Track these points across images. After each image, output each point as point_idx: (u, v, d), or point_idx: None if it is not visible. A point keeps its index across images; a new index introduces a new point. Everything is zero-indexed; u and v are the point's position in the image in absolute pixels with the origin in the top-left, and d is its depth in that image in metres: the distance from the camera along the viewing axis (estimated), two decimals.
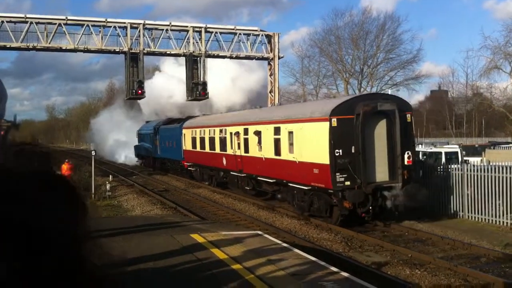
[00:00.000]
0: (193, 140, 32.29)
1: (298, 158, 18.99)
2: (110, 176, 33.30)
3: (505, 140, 50.76)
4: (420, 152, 28.42)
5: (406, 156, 17.59)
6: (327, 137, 16.97)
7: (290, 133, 19.67)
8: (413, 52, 66.98)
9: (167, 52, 37.10)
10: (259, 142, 22.43)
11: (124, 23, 34.90)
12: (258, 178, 23.11)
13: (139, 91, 34.43)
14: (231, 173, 26.23)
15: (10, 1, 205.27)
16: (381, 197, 17.20)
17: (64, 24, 33.64)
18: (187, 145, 33.77)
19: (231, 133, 25.83)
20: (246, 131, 24.01)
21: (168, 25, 36.16)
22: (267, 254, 10.53)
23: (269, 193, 23.42)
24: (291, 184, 19.77)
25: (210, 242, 11.55)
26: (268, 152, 21.67)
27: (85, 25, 33.96)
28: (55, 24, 33.43)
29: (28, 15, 33.37)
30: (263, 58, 39.09)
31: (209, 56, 37.61)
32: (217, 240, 11.80)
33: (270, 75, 39.27)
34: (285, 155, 20.12)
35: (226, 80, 52.57)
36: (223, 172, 27.98)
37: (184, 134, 34.32)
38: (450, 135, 73.08)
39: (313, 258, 10.41)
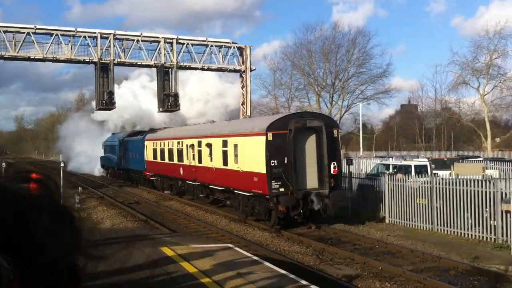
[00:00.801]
0: (154, 151, 34.45)
1: (242, 168, 21.26)
2: (79, 188, 32.76)
3: (473, 154, 51.59)
4: (390, 165, 28.67)
5: (332, 166, 20.11)
6: (264, 149, 19.35)
7: (235, 145, 21.94)
8: (383, 67, 68.24)
9: (138, 63, 36.79)
10: (210, 153, 24.72)
11: (94, 33, 34.50)
12: (210, 186, 25.30)
13: (110, 102, 34.02)
14: (187, 182, 28.41)
15: None
16: (310, 202, 19.34)
17: (33, 33, 33.12)
18: (149, 156, 35.86)
19: (187, 145, 27.98)
20: (199, 144, 26.29)
21: (139, 36, 35.91)
22: (237, 267, 10.40)
23: (222, 200, 25.01)
24: (236, 191, 22.03)
25: (180, 255, 11.37)
26: (218, 162, 23.83)
27: (55, 34, 33.47)
28: (24, 33, 32.88)
29: None
30: (235, 70, 39.09)
31: (181, 67, 37.44)
32: (187, 253, 11.63)
33: (242, 87, 39.28)
34: (231, 165, 22.33)
35: (201, 92, 52.74)
36: (181, 181, 29.85)
37: (146, 146, 36.39)
38: (420, 149, 74.12)
39: (283, 271, 10.32)
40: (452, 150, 67.71)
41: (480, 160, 36.90)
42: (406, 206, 20.96)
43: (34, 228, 1.01)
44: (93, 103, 64.63)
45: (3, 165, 32.44)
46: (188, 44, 36.98)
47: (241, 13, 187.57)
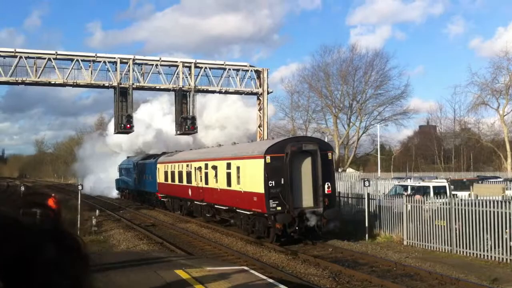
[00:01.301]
0: (166, 174, 36.03)
1: (243, 188, 22.86)
2: (97, 210, 32.97)
3: (493, 175, 50.95)
4: (409, 187, 28.43)
5: (326, 186, 21.53)
6: (262, 171, 20.91)
7: (238, 167, 23.53)
8: (401, 88, 68.08)
9: (157, 87, 37.24)
10: (216, 175, 26.25)
11: (114, 58, 35.09)
12: (215, 206, 26.77)
13: (128, 126, 34.41)
14: (195, 202, 29.90)
15: (3, 35, 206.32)
16: (306, 220, 20.73)
17: (54, 58, 33.79)
18: (160, 178, 37.45)
19: (195, 168, 29.49)
20: (206, 166, 27.78)
21: (158, 60, 36.41)
22: None
23: (228, 219, 26.22)
24: (238, 210, 23.60)
25: (194, 278, 11.35)
26: (222, 183, 25.41)
27: (75, 59, 34.11)
28: (45, 58, 33.57)
29: (17, 50, 33.51)
30: (252, 93, 39.33)
31: (199, 91, 37.82)
32: (202, 276, 11.61)
33: (259, 109, 39.47)
34: (234, 186, 23.96)
35: (220, 117, 53.74)
36: (190, 201, 31.29)
37: (158, 169, 38.04)
38: (439, 170, 73.37)
39: None
40: (471, 170, 66.83)
41: (500, 181, 36.42)
42: (425, 227, 20.73)
43: (38, 259, 0.93)
44: (109, 127, 66.36)
45: (22, 188, 32.84)
46: (206, 67, 37.38)
47: (259, 37, 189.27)
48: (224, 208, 25.59)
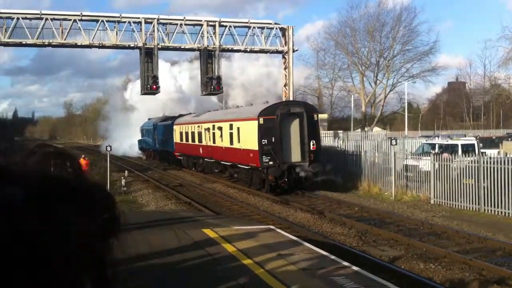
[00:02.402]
0: (181, 134, 39.21)
1: (243, 146, 26.15)
2: (126, 171, 33.50)
3: None
4: (436, 145, 28.14)
5: (311, 143, 24.56)
6: (256, 131, 24.25)
7: (238, 128, 26.91)
8: (430, 44, 66.24)
9: (182, 47, 37.17)
10: (221, 135, 29.43)
11: (139, 18, 35.00)
12: (221, 162, 30.22)
13: (154, 86, 34.55)
14: (205, 159, 33.57)
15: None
16: (294, 172, 24.17)
17: (79, 20, 33.88)
18: (177, 138, 40.62)
19: (204, 129, 32.76)
20: (213, 127, 30.94)
21: (182, 20, 36.18)
22: (278, 248, 10.49)
23: (233, 174, 29.48)
24: (239, 165, 27.15)
25: (222, 237, 11.53)
26: (226, 142, 28.63)
27: (100, 21, 34.14)
28: (70, 20, 33.67)
29: (43, 12, 33.64)
30: (277, 52, 38.97)
31: (224, 50, 37.66)
32: (229, 235, 11.78)
33: (285, 68, 39.14)
34: (235, 144, 27.23)
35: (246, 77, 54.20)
36: (201, 159, 34.75)
37: (175, 130, 41.09)
38: (468, 127, 72.21)
39: (324, 252, 10.35)
40: (501, 128, 65.62)
41: None
42: (453, 186, 20.59)
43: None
44: (130, 87, 67.44)
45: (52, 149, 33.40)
46: (230, 26, 37.03)
47: None
48: (229, 163, 28.99)
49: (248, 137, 25.44)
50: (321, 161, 25.27)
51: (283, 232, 12.79)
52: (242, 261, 9.42)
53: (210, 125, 31.72)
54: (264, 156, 23.90)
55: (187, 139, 37.40)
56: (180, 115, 43.84)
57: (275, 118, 24.15)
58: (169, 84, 56.76)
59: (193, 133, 35.73)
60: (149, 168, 41.81)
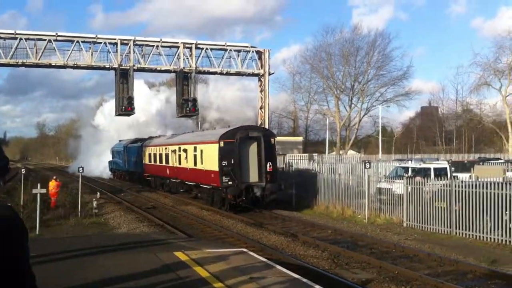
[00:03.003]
0: (149, 156, 41.23)
1: (205, 167, 27.97)
2: (98, 193, 33.05)
3: (494, 156, 50.88)
4: (409, 168, 28.42)
5: (268, 165, 26.30)
6: (217, 153, 26.01)
7: (201, 150, 28.67)
8: (403, 69, 67.71)
9: (158, 69, 37.06)
10: (186, 157, 31.22)
11: (115, 39, 34.87)
12: (186, 182, 31.82)
13: (129, 108, 34.32)
14: (171, 180, 35.27)
15: (4, 18, 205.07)
16: (252, 192, 25.77)
17: (54, 40, 33.60)
18: (146, 160, 42.49)
19: (171, 151, 34.64)
20: (179, 149, 32.86)
21: (159, 42, 36.17)
22: (250, 271, 10.38)
23: (197, 194, 31.09)
24: (202, 185, 29.00)
25: (193, 260, 11.38)
26: (191, 163, 30.42)
27: (75, 41, 33.91)
28: (45, 40, 33.37)
29: (17, 31, 33.32)
30: (253, 74, 39.14)
31: (200, 72, 37.65)
32: (201, 258, 11.64)
33: (261, 91, 39.29)
34: (199, 165, 29.02)
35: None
36: (168, 179, 36.25)
37: (144, 152, 42.98)
38: (440, 151, 73.32)
39: (296, 276, 10.26)
40: (472, 152, 66.74)
41: (501, 162, 36.38)
42: (425, 209, 20.76)
43: None
44: (102, 110, 68.44)
45: (23, 171, 32.90)
46: (207, 49, 37.12)
47: (262, 18, 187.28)
48: (193, 183, 30.66)
49: (209, 159, 27.20)
50: (278, 181, 27.24)
51: (255, 255, 12.67)
52: (213, 285, 9.28)
53: (176, 147, 33.70)
54: (224, 177, 25.59)
55: (155, 161, 39.34)
56: (150, 137, 45.60)
57: (234, 141, 25.87)
58: (145, 106, 57.20)
59: (160, 154, 37.60)
60: (121, 190, 41.33)
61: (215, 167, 26.19)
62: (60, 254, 11.67)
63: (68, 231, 20.84)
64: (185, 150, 31.59)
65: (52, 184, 28.90)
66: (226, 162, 25.63)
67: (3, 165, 2.52)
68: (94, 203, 26.70)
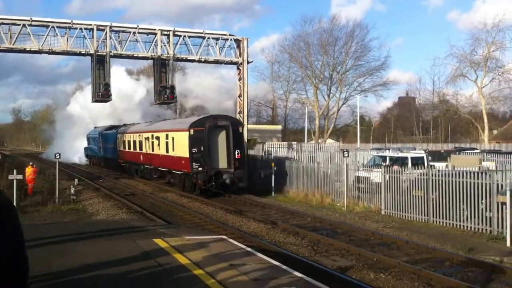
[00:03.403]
0: (124, 143, 42.28)
1: (176, 154, 29.14)
2: (75, 180, 32.69)
3: (470, 146, 51.54)
4: (387, 157, 28.64)
5: (236, 153, 27.52)
6: (187, 140, 27.27)
7: (173, 138, 29.99)
8: (381, 59, 68.17)
9: (135, 55, 36.57)
10: (159, 144, 32.44)
11: (91, 25, 34.23)
12: (159, 168, 33.09)
13: (106, 94, 33.86)
14: (145, 166, 36.50)
15: None
16: (221, 177, 26.97)
17: (29, 25, 32.86)
18: (120, 146, 43.55)
19: (145, 138, 35.75)
20: (152, 136, 33.96)
21: (136, 28, 35.62)
22: (230, 258, 10.36)
23: (170, 179, 32.41)
24: (174, 171, 30.28)
25: (173, 247, 11.32)
26: (163, 150, 31.73)
27: (50, 26, 33.21)
28: (19, 25, 32.63)
29: None
30: (232, 63, 38.86)
31: (178, 59, 37.23)
32: (180, 245, 11.58)
33: (239, 79, 39.11)
34: (170, 152, 30.25)
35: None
36: (142, 166, 37.41)
37: (119, 138, 44.04)
38: (418, 141, 74.06)
39: (276, 263, 10.27)
40: (449, 142, 67.61)
41: (477, 152, 36.86)
42: (402, 198, 20.95)
43: None
44: (76, 97, 68.45)
45: None
46: (185, 36, 36.69)
47: (240, 7, 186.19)
48: (165, 169, 31.93)
49: (180, 146, 28.44)
50: (245, 168, 28.78)
51: (235, 242, 12.65)
52: (193, 272, 9.24)
53: (149, 135, 34.81)
54: (194, 163, 26.84)
55: (129, 147, 40.40)
56: (124, 125, 46.59)
57: (204, 130, 27.10)
58: (124, 93, 56.75)
59: (135, 141, 38.76)
60: (100, 176, 40.96)
61: (186, 154, 27.37)
62: (38, 240, 11.51)
63: (46, 217, 20.55)
64: (157, 138, 32.72)
65: (29, 170, 28.47)
66: (196, 149, 26.85)
67: None
68: (72, 190, 26.40)
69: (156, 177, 34.67)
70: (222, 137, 27.71)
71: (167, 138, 30.94)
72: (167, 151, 30.88)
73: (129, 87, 63.42)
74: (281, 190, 29.15)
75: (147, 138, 34.98)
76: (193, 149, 26.88)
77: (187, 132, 27.35)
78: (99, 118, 62.23)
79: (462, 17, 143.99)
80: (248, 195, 27.80)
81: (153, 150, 33.81)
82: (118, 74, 62.64)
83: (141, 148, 36.76)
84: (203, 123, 27.56)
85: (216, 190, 27.47)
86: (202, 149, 26.86)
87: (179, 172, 29.26)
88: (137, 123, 44.57)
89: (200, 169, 26.83)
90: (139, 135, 37.50)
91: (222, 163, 27.57)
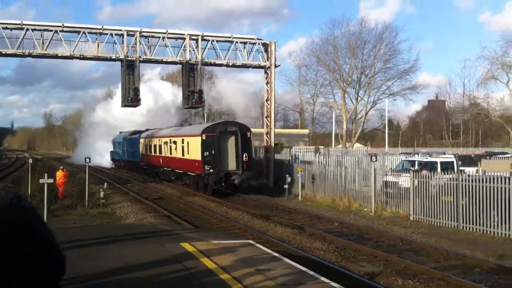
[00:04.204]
0: (145, 147, 45.57)
1: (190, 157, 31.71)
2: (105, 183, 33.13)
3: (501, 150, 50.61)
4: (416, 162, 28.32)
5: (244, 156, 29.89)
6: (200, 145, 29.80)
7: (188, 142, 32.40)
8: (411, 62, 67.08)
9: (164, 60, 36.97)
10: (176, 148, 35.13)
11: (121, 30, 34.77)
12: (176, 170, 35.81)
13: (135, 99, 34.26)
14: (164, 168, 39.06)
15: (13, 9, 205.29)
16: (230, 178, 29.43)
17: (60, 31, 33.51)
18: (142, 150, 46.83)
19: (164, 142, 38.58)
20: (170, 141, 36.78)
21: (165, 33, 36.03)
22: (257, 263, 10.38)
23: (186, 181, 34.88)
24: (188, 173, 32.99)
25: (200, 251, 11.40)
26: (179, 154, 34.36)
27: (82, 32, 33.83)
28: (52, 31, 33.30)
29: (24, 22, 33.29)
30: (259, 67, 38.97)
31: (206, 64, 37.53)
32: (207, 249, 11.65)
33: (267, 83, 39.16)
34: (186, 155, 32.84)
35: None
36: (161, 168, 39.97)
37: (141, 143, 47.23)
38: (447, 145, 72.98)
39: (303, 268, 10.26)
40: (479, 146, 66.41)
41: (508, 156, 36.20)
42: (431, 203, 20.68)
43: None
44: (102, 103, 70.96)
45: (30, 160, 32.99)
46: (213, 40, 36.95)
47: (269, 11, 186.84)
48: (181, 171, 34.73)
49: (194, 150, 30.85)
50: (253, 169, 31.13)
51: (262, 247, 12.68)
52: (219, 276, 9.30)
53: (168, 139, 37.56)
54: (206, 165, 29.22)
55: (150, 151, 43.39)
56: (147, 130, 49.50)
57: (215, 135, 29.60)
58: (152, 98, 58.29)
59: (155, 146, 41.57)
60: (128, 180, 41.43)
61: (199, 157, 29.77)
62: (67, 243, 11.70)
63: (76, 221, 20.89)
64: (175, 142, 35.35)
65: (59, 174, 28.97)
66: (207, 152, 29.29)
67: None
68: (101, 194, 26.75)
69: (174, 179, 37.03)
70: (231, 142, 30.10)
71: (182, 142, 33.39)
72: (183, 154, 33.35)
73: (157, 92, 64.98)
74: (308, 194, 29.05)
75: (166, 143, 37.74)
76: (205, 152, 29.27)
77: (200, 137, 29.78)
78: (125, 123, 64.13)
79: (493, 18, 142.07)
80: (274, 198, 27.94)
81: (171, 154, 36.36)
82: (150, 79, 64.77)
83: (160, 152, 39.48)
84: (214, 129, 30.19)
85: (226, 190, 29.64)
86: (213, 152, 29.23)
87: (193, 174, 31.84)
88: (157, 128, 46.87)
89: (211, 171, 29.26)
90: (159, 140, 40.20)
91: (232, 165, 29.87)
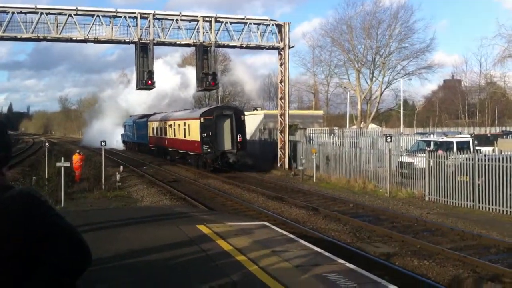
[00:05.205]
0: (153, 129, 49.31)
1: (191, 138, 35.34)
2: (121, 166, 33.40)
3: None
4: (431, 142, 28.16)
5: (238, 137, 33.24)
6: (198, 127, 33.24)
7: (188, 125, 36.05)
8: (426, 41, 66.07)
9: (177, 42, 36.92)
10: (179, 130, 38.67)
11: (134, 13, 34.73)
12: (179, 151, 39.29)
13: (149, 82, 34.33)
14: (169, 149, 42.77)
15: None
16: (226, 157, 32.94)
17: (74, 14, 33.57)
18: (150, 133, 50.58)
19: (168, 125, 42.39)
20: (174, 124, 40.66)
21: (178, 15, 35.94)
22: (273, 245, 10.46)
23: (188, 160, 38.06)
24: (189, 153, 36.68)
25: (216, 233, 11.49)
26: (181, 135, 38.02)
27: (95, 15, 33.86)
28: (66, 14, 33.37)
29: (38, 6, 33.39)
30: (273, 48, 38.78)
31: (219, 46, 37.42)
32: (223, 231, 11.75)
33: (281, 65, 38.99)
34: (187, 136, 36.43)
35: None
36: (168, 149, 43.34)
37: (149, 126, 50.98)
38: (463, 125, 72.30)
39: (319, 249, 10.31)
40: (496, 125, 65.71)
41: None
42: (447, 183, 20.60)
43: None
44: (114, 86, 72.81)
45: (47, 144, 33.32)
46: (226, 22, 36.79)
47: None
48: (183, 151, 38.21)
49: (194, 132, 34.36)
50: (245, 149, 34.51)
51: (277, 229, 12.74)
52: (235, 258, 9.38)
53: (172, 122, 41.36)
54: (204, 145, 32.66)
55: (157, 133, 47.20)
56: (154, 113, 53.61)
57: (212, 118, 33.06)
58: (162, 82, 59.16)
59: (161, 128, 45.36)
60: (143, 163, 41.72)
61: (198, 138, 33.28)
62: (84, 226, 11.86)
63: (93, 204, 21.13)
64: (178, 125, 38.99)
65: (76, 157, 29.26)
66: (205, 134, 32.70)
67: (3, 156, 2.40)
68: (118, 177, 26.99)
69: (178, 158, 40.26)
70: (227, 124, 33.41)
71: (184, 125, 37.00)
72: (184, 136, 36.98)
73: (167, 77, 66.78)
74: (323, 176, 29.06)
75: (170, 125, 41.54)
76: (203, 134, 32.69)
77: (199, 120, 33.36)
78: (137, 106, 68.38)
79: None
80: (288, 178, 28.28)
81: (174, 136, 40.17)
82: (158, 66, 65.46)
83: (166, 134, 43.19)
84: (211, 112, 33.92)
85: (222, 168, 32.86)
86: (210, 134, 32.68)
87: (193, 153, 35.53)
88: (163, 112, 51.32)
89: (209, 150, 32.66)
90: (164, 123, 44.00)
91: (227, 145, 33.25)
